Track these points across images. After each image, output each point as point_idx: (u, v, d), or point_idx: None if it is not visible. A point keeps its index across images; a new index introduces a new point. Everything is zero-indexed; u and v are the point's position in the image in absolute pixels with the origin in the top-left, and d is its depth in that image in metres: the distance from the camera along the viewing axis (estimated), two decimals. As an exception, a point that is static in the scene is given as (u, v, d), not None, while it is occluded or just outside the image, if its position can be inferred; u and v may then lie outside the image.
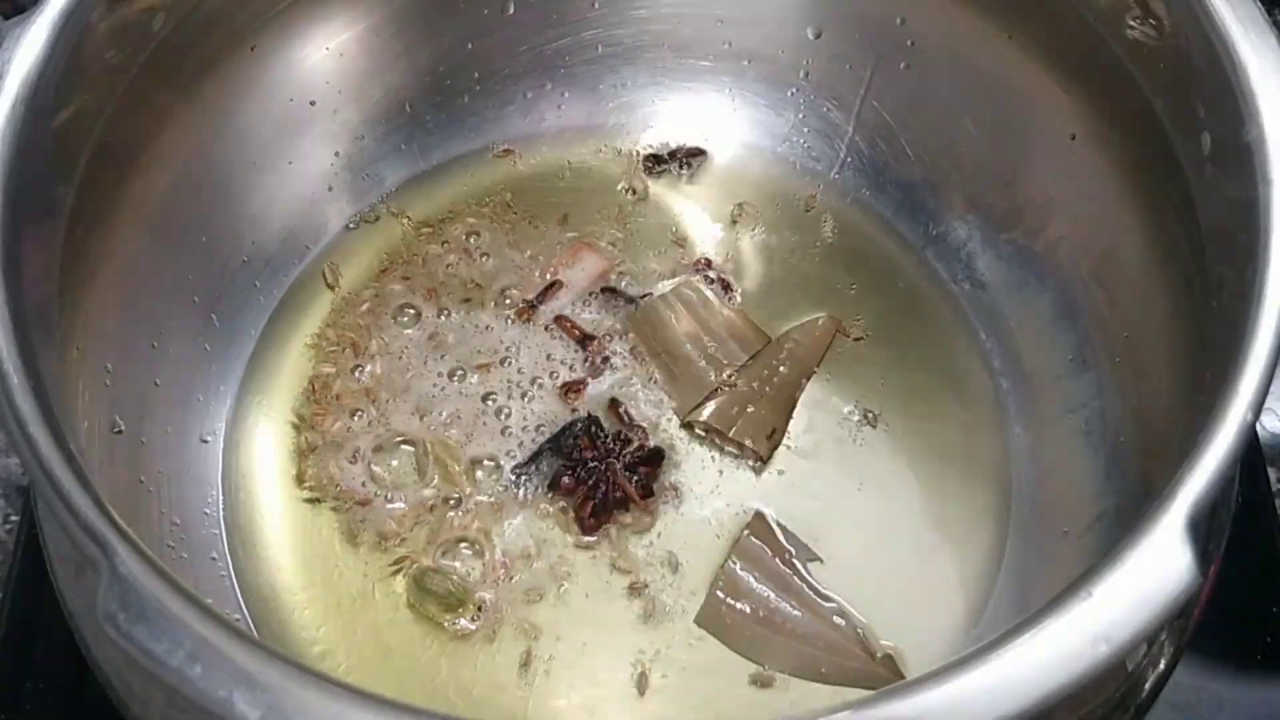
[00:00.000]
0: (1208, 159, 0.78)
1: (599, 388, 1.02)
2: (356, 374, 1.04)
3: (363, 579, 0.95)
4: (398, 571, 0.94)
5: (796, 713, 0.86)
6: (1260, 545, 1.02)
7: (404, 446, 1.00)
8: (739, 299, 1.09)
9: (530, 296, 1.07)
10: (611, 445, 0.96)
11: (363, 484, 0.98)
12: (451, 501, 0.96)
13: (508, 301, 1.08)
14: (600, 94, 1.20)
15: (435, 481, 0.97)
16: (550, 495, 0.96)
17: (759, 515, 0.96)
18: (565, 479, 0.95)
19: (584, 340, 1.04)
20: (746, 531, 0.94)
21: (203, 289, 1.03)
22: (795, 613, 0.91)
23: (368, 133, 1.14)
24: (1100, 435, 0.93)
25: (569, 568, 0.94)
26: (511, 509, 0.97)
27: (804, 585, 0.92)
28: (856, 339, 1.07)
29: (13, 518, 1.07)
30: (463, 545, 0.95)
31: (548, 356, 1.04)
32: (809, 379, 1.03)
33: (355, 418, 1.01)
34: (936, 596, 0.94)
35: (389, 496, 0.97)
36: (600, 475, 0.95)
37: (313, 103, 1.09)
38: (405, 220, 1.14)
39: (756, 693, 0.89)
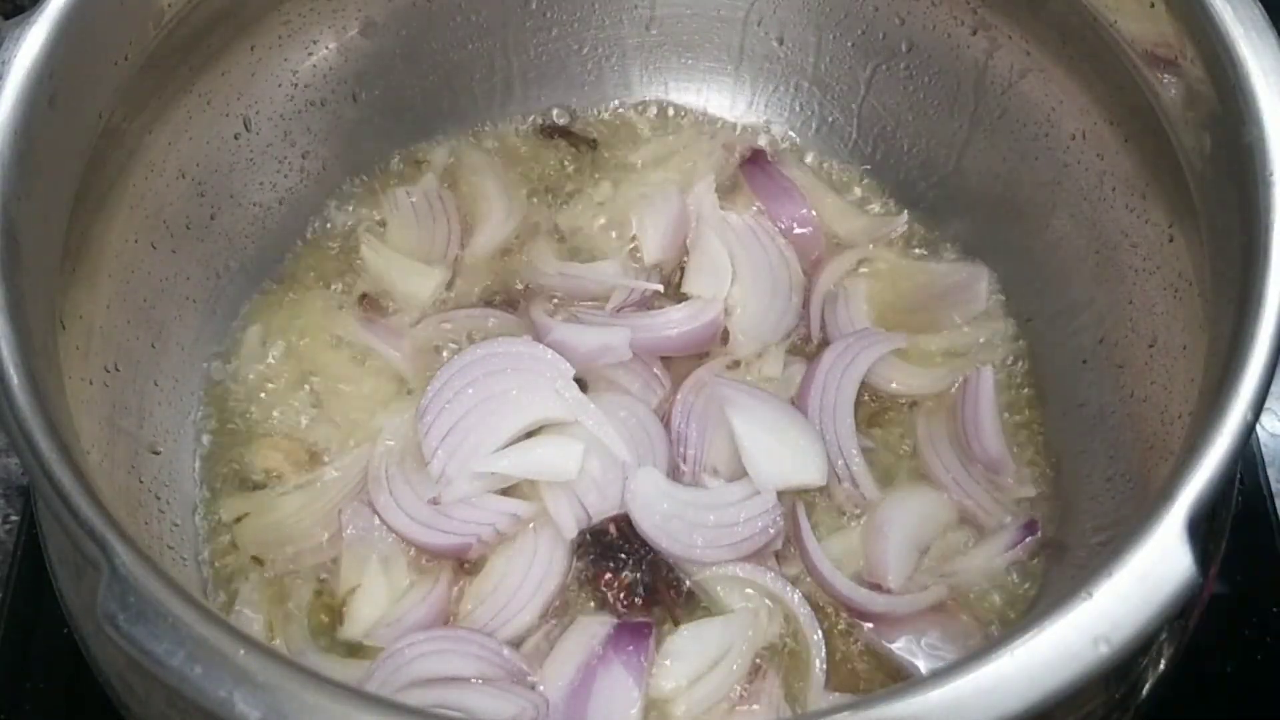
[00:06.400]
0: (1208, 159, 0.78)
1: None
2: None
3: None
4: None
5: (797, 713, 0.87)
6: (1260, 545, 1.02)
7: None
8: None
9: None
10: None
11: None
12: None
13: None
14: (602, 92, 1.21)
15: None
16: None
17: None
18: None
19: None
20: None
21: (202, 289, 1.03)
22: None
23: (369, 131, 1.14)
24: (1101, 435, 0.93)
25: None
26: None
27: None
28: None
29: (13, 518, 1.07)
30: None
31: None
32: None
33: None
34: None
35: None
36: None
37: (312, 102, 1.09)
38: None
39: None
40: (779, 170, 1.15)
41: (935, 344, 1.05)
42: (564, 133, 1.19)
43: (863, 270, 1.10)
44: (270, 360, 1.05)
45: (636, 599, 0.90)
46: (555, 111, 1.20)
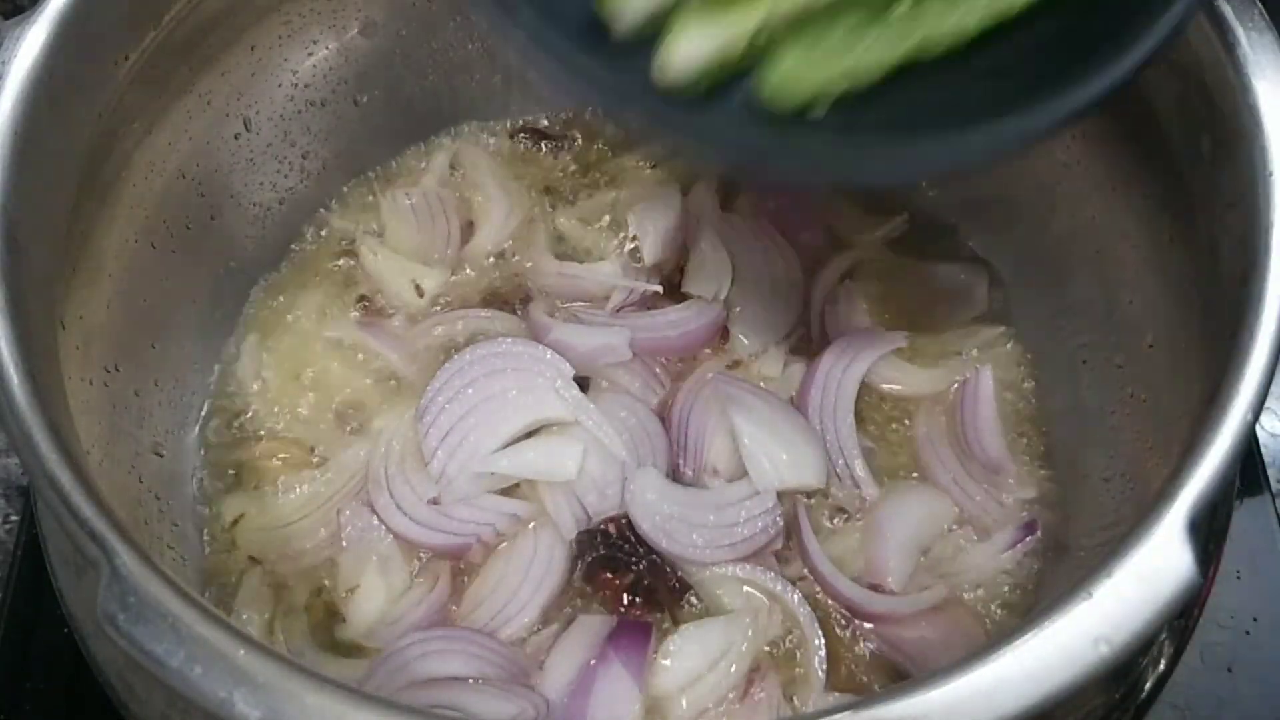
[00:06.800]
0: (1208, 159, 0.78)
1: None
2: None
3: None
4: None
5: (797, 713, 0.87)
6: (1260, 545, 1.02)
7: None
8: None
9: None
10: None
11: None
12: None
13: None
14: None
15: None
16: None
17: None
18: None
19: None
20: None
21: (202, 290, 1.03)
22: None
23: (369, 132, 1.14)
24: (1101, 435, 0.93)
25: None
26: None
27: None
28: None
29: (13, 518, 1.07)
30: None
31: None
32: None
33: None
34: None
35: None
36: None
37: (312, 102, 1.09)
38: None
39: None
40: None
41: (935, 344, 1.05)
42: (538, 134, 1.19)
43: (862, 270, 1.10)
44: (270, 360, 1.05)
45: (636, 599, 0.90)
46: (530, 118, 1.20)
